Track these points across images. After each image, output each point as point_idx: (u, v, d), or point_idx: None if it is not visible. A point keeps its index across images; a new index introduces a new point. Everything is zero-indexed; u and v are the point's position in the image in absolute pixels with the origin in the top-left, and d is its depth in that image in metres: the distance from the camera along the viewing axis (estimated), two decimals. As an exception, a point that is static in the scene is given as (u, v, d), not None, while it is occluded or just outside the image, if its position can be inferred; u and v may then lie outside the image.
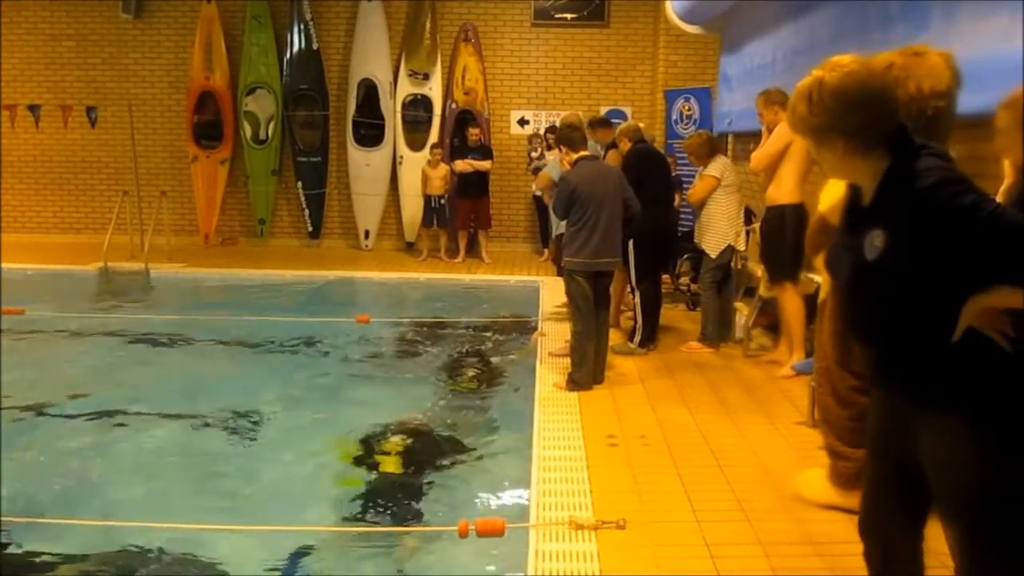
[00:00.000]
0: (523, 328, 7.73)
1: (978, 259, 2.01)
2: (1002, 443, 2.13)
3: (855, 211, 2.27)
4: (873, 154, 2.16)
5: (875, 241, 2.13)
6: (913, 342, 2.18)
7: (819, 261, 3.79)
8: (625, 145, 6.99)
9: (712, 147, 6.89)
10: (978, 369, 2.13)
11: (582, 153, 5.86)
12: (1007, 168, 2.74)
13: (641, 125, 7.58)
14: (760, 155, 6.10)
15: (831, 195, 3.56)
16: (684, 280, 8.43)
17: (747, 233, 7.14)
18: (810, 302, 5.75)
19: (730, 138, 9.56)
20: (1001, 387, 2.13)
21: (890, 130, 2.15)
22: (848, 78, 2.13)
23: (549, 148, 10.56)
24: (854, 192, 2.28)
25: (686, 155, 7.30)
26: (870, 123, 2.13)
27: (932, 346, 2.14)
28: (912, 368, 2.21)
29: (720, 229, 6.72)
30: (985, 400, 2.13)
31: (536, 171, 10.57)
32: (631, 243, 6.46)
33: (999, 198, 2.70)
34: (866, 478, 2.52)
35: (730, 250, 6.76)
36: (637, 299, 6.64)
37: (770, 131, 6.10)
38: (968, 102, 2.90)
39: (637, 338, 6.64)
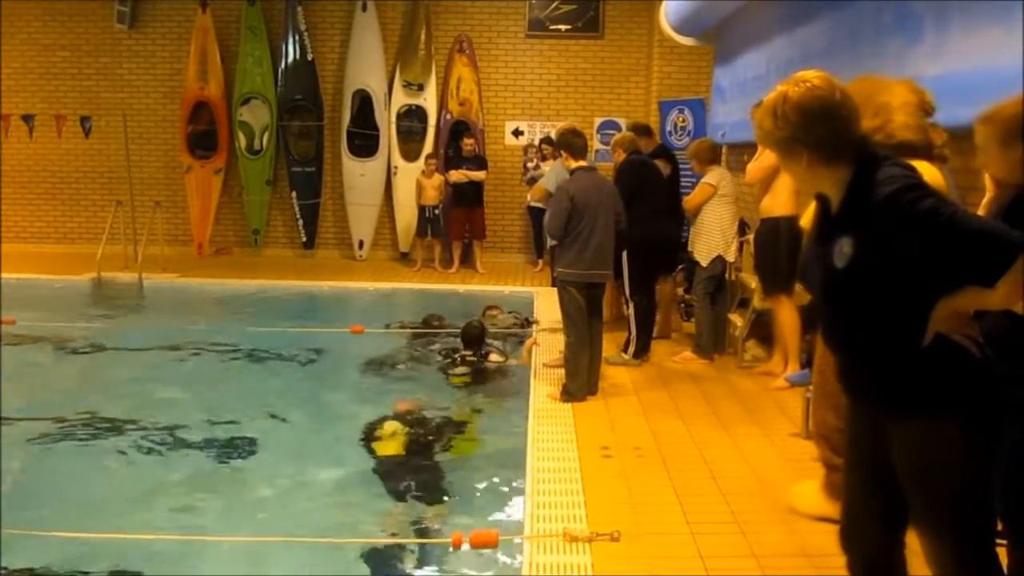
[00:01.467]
0: (518, 338, 7.71)
1: (941, 262, 2.07)
2: (973, 447, 2.17)
3: (824, 221, 2.32)
4: (837, 165, 2.22)
5: (843, 249, 2.18)
6: (883, 348, 2.22)
7: None
8: (620, 156, 7.00)
9: (715, 153, 6.92)
10: (948, 374, 2.17)
11: (580, 163, 5.87)
12: (987, 182, 2.77)
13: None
14: (755, 168, 6.10)
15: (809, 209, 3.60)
16: (679, 291, 8.44)
17: (741, 244, 7.15)
18: (806, 314, 5.76)
19: (724, 149, 9.57)
20: (971, 391, 2.18)
21: (852, 142, 2.22)
22: (811, 92, 2.20)
23: (544, 159, 10.58)
24: (823, 202, 2.33)
25: (688, 163, 7.31)
26: (832, 135, 2.20)
27: (902, 352, 2.18)
28: (883, 374, 2.24)
29: (711, 238, 6.73)
30: (955, 405, 2.17)
31: (531, 181, 10.59)
32: (625, 254, 6.47)
33: (980, 211, 2.73)
34: (844, 488, 2.54)
35: (720, 260, 6.77)
36: (631, 310, 6.64)
37: None
38: (960, 115, 2.92)
39: (631, 349, 6.63)
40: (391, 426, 5.37)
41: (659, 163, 7.39)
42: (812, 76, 2.24)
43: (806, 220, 3.53)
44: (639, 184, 6.67)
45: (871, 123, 3.13)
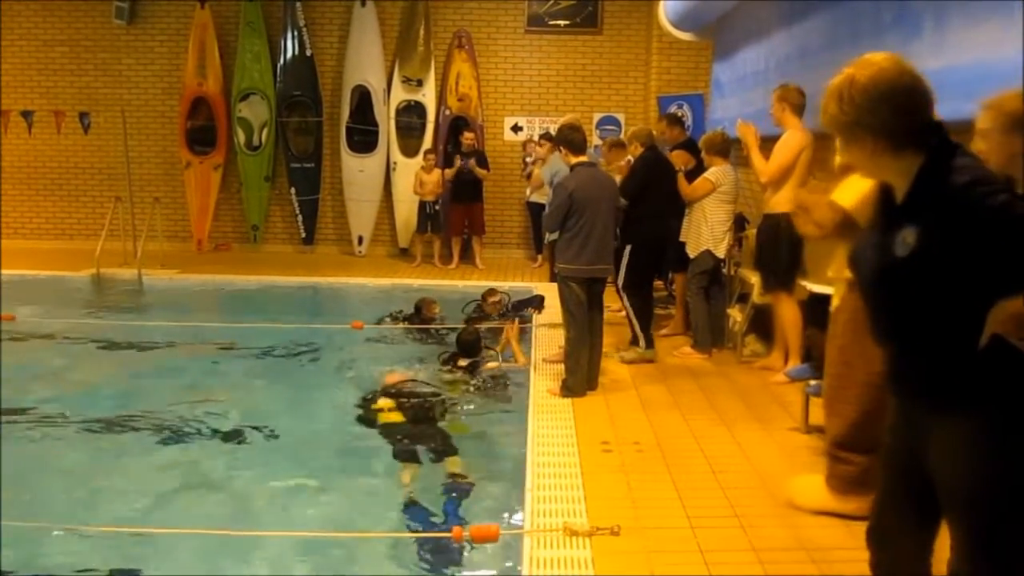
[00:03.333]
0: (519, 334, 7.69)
1: (1006, 261, 1.98)
2: (1017, 452, 2.09)
3: (886, 209, 2.22)
4: (905, 152, 2.12)
5: (906, 239, 2.08)
6: (935, 344, 2.13)
7: (834, 266, 3.82)
8: (636, 149, 6.91)
9: (725, 147, 6.89)
10: (1000, 376, 2.08)
11: (580, 159, 5.86)
12: None
13: (655, 131, 7.56)
14: (772, 169, 5.98)
15: (851, 192, 3.59)
16: (676, 286, 8.42)
17: (740, 239, 7.15)
18: (809, 310, 5.74)
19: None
20: (1019, 395, 2.09)
21: (922, 128, 2.11)
22: (880, 75, 2.10)
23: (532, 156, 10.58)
24: (885, 190, 2.24)
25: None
26: (900, 121, 2.10)
27: (956, 349, 2.10)
28: (933, 370, 2.16)
29: (700, 232, 6.74)
30: (1004, 408, 2.09)
31: (531, 177, 10.60)
32: (628, 249, 6.43)
33: None
34: (878, 488, 2.47)
35: (710, 255, 6.75)
36: (627, 303, 6.57)
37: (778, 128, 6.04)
38: (959, 108, 2.92)
39: (642, 343, 6.56)
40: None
41: (683, 154, 7.34)
42: (880, 58, 2.13)
43: (847, 202, 3.54)
44: (650, 182, 6.60)
45: None
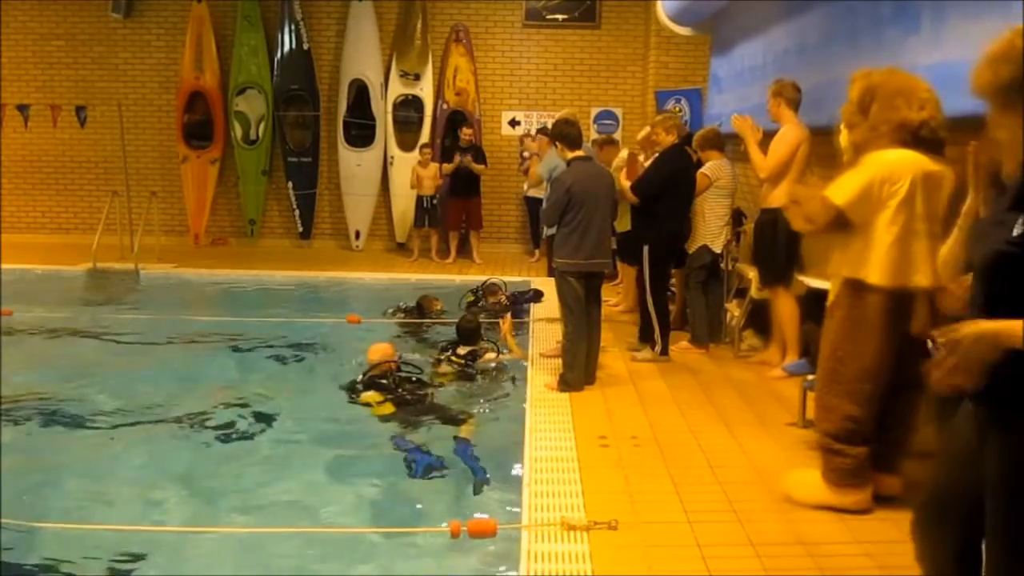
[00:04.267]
0: (515, 328, 7.69)
1: None
2: None
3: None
4: None
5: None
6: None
7: (833, 261, 3.82)
8: (673, 137, 6.55)
9: (719, 141, 6.86)
10: None
11: (577, 153, 5.85)
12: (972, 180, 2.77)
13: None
14: (769, 164, 5.97)
15: (844, 189, 3.60)
16: (674, 281, 8.42)
17: (738, 234, 7.15)
18: (807, 305, 5.75)
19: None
20: None
21: None
22: None
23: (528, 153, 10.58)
24: None
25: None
26: None
27: None
28: (1009, 371, 1.99)
29: (697, 227, 6.73)
30: None
31: (527, 173, 10.59)
32: (646, 250, 6.37)
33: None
34: (930, 481, 2.40)
35: (707, 250, 6.74)
36: (652, 308, 6.44)
37: (774, 123, 6.03)
38: (960, 104, 2.93)
39: (659, 348, 6.47)
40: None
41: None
42: None
43: (841, 200, 3.55)
44: (677, 177, 6.44)
45: (918, 116, 3.09)
